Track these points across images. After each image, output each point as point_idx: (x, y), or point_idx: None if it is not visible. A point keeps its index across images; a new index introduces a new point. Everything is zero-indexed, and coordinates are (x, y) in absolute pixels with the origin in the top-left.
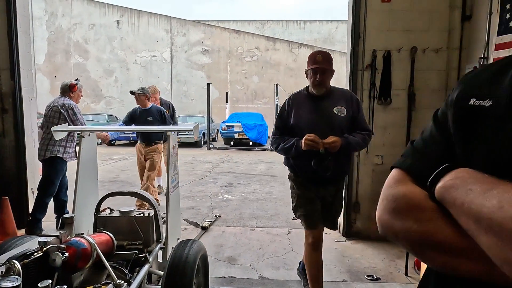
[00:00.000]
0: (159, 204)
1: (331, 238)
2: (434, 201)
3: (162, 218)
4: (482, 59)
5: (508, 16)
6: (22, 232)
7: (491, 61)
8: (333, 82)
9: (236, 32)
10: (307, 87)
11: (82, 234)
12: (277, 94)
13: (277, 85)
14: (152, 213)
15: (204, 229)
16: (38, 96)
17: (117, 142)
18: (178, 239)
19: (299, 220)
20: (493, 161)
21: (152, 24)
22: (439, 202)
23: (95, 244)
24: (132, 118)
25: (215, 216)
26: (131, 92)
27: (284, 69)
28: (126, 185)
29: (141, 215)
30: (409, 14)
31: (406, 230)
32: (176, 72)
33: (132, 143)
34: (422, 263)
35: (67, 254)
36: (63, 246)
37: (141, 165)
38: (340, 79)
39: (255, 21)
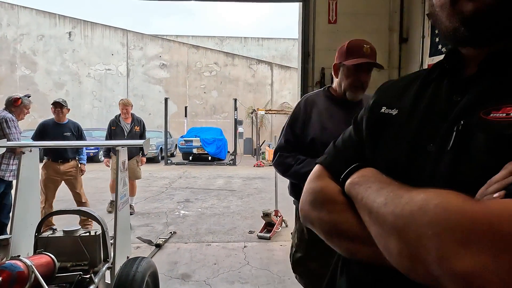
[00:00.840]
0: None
1: (286, 250)
2: (345, 195)
3: (111, 237)
4: None
5: (437, 39)
6: None
7: None
8: (290, 99)
9: (194, 47)
10: (328, 88)
11: (19, 256)
12: (235, 109)
13: (235, 100)
14: (99, 231)
15: (158, 246)
16: None
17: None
18: (127, 257)
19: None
20: (391, 163)
21: (107, 37)
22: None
23: (33, 267)
24: (42, 133)
25: (170, 232)
26: (57, 104)
27: (243, 84)
28: (74, 204)
29: (87, 234)
30: (353, 35)
31: (320, 220)
32: (133, 86)
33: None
34: None
35: (0, 278)
36: None
37: (54, 185)
38: (297, 94)
39: (214, 37)
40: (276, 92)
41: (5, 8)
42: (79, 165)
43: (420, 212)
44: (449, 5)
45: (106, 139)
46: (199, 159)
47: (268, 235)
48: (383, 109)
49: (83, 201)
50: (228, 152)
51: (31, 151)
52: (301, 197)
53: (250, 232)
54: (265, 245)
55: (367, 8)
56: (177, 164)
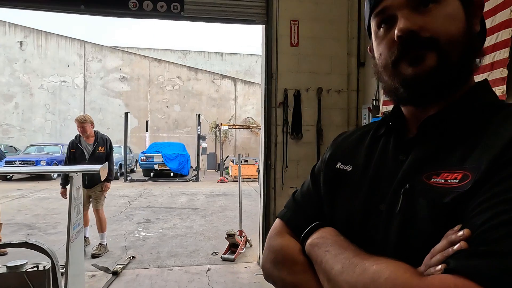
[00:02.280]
0: None
1: (251, 272)
2: (305, 254)
3: (63, 268)
4: (374, 101)
5: None
6: None
7: (381, 103)
8: (253, 114)
9: (156, 60)
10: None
11: None
12: (199, 124)
13: (198, 115)
14: (48, 265)
15: (116, 274)
16: None
17: (15, 176)
18: None
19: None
20: (347, 222)
21: (62, 48)
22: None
23: None
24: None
25: (129, 257)
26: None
27: (206, 99)
28: (23, 228)
29: (35, 268)
30: (315, 58)
31: (281, 280)
32: (90, 99)
33: (34, 177)
34: None
35: None
36: None
37: None
38: (261, 110)
39: (177, 51)
40: (239, 107)
41: None
42: None
43: (373, 285)
44: (390, 67)
45: (65, 164)
46: (161, 175)
47: (232, 256)
48: (338, 165)
49: None
50: (191, 167)
51: None
52: (263, 253)
53: (214, 253)
54: (229, 267)
55: (327, 33)
56: (137, 180)
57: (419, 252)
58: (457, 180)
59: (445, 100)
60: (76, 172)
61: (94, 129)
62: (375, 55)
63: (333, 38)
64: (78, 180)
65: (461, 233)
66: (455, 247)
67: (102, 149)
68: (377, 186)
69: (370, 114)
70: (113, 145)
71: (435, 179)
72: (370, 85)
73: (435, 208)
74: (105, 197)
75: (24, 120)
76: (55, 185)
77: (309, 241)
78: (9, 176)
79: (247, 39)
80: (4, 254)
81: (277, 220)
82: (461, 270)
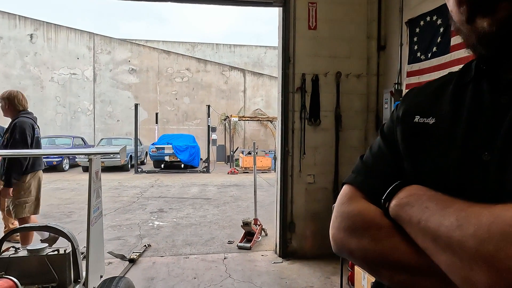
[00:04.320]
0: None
1: (268, 260)
2: (389, 218)
3: (82, 253)
4: (396, 85)
5: (416, 47)
6: None
7: (404, 87)
8: (262, 105)
9: (165, 52)
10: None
11: None
12: (209, 116)
13: (209, 106)
14: (69, 249)
15: (132, 261)
16: None
17: None
18: (101, 276)
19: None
20: (440, 177)
21: (72, 40)
22: (394, 219)
23: None
24: None
25: (145, 246)
26: None
27: (215, 91)
28: (38, 218)
29: (55, 252)
30: (333, 42)
31: (362, 249)
32: (100, 91)
33: (46, 169)
34: (355, 278)
35: None
36: None
37: None
38: (270, 101)
39: (186, 43)
40: (249, 99)
41: None
42: None
43: None
44: (466, 23)
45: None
46: (172, 167)
47: (248, 245)
48: (417, 119)
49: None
50: (201, 159)
51: None
52: (332, 222)
53: (230, 242)
54: (246, 255)
55: (346, 15)
56: (148, 172)
57: None
58: None
59: None
60: (95, 154)
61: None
62: (450, 10)
63: (352, 21)
64: (97, 163)
65: None
66: None
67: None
68: (475, 133)
69: (393, 99)
70: (122, 137)
71: None
72: (391, 68)
73: None
74: (26, 202)
75: (36, 112)
76: (68, 176)
77: (394, 202)
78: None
79: (254, 30)
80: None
81: (345, 186)
82: None
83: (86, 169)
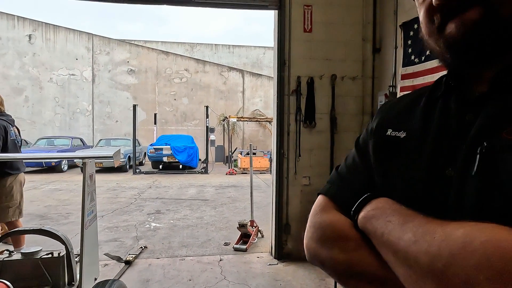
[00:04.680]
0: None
1: (263, 262)
2: (358, 230)
3: (77, 256)
4: (391, 87)
5: (410, 50)
6: None
7: (398, 89)
8: (261, 106)
9: (164, 53)
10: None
11: None
12: (207, 116)
13: (207, 107)
14: (63, 252)
15: (128, 263)
16: None
17: (26, 169)
18: (95, 279)
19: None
20: (406, 191)
21: (70, 41)
22: (362, 231)
23: None
24: None
25: (141, 247)
26: None
27: (214, 92)
28: (36, 218)
29: (49, 255)
30: (328, 45)
31: (332, 259)
32: (99, 92)
33: (45, 170)
34: None
35: None
36: None
37: None
38: (268, 102)
39: (184, 43)
40: (247, 100)
41: None
42: None
43: (464, 252)
44: (436, 33)
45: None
46: (170, 167)
47: (244, 246)
48: (389, 132)
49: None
50: (200, 160)
51: None
52: (306, 232)
53: (226, 244)
54: (242, 257)
55: (341, 18)
56: (147, 173)
57: (507, 217)
58: None
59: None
60: (89, 158)
61: None
62: (420, 21)
63: (347, 23)
64: (91, 167)
65: None
66: None
67: None
68: (440, 149)
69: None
70: (121, 137)
71: None
72: (386, 71)
73: None
74: (9, 207)
75: (34, 113)
76: (66, 177)
77: (362, 214)
78: None
79: (253, 30)
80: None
81: (320, 197)
82: None
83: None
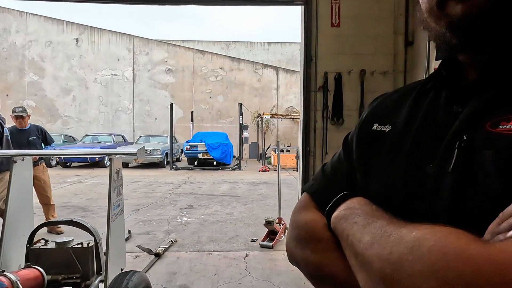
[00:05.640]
0: None
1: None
2: (332, 231)
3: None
4: None
5: None
6: None
7: None
8: (295, 103)
9: (200, 52)
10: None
11: (3, 271)
12: (241, 114)
13: (240, 104)
14: (92, 242)
15: (158, 256)
16: None
17: (73, 164)
18: (121, 269)
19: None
20: (385, 190)
21: (113, 43)
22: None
23: (18, 282)
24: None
25: (171, 241)
26: (18, 116)
27: (248, 89)
28: (78, 210)
29: (79, 245)
30: (357, 39)
31: (304, 260)
32: (139, 91)
33: (90, 165)
34: None
35: None
36: None
37: None
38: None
39: (220, 42)
40: (282, 97)
41: (14, 15)
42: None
43: (411, 257)
44: (436, 9)
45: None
46: (205, 164)
47: (270, 243)
48: (375, 126)
49: (52, 203)
50: (234, 156)
51: (23, 159)
52: (287, 230)
53: (253, 240)
54: (267, 254)
55: (371, 11)
56: (182, 169)
57: (481, 219)
58: None
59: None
60: (115, 154)
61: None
62: None
63: (377, 16)
64: (117, 163)
65: None
66: None
67: None
68: (422, 144)
69: None
70: (159, 134)
71: (505, 126)
72: (419, 65)
73: (506, 159)
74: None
75: (81, 111)
76: (108, 172)
77: (335, 214)
78: (68, 164)
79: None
80: (61, 232)
81: (303, 194)
82: None
83: (126, 165)
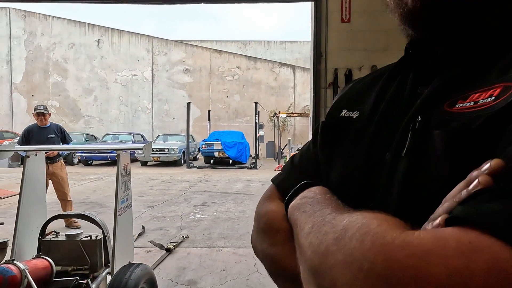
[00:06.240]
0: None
1: None
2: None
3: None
4: None
5: None
6: None
7: None
8: (310, 101)
9: (217, 51)
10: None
11: (13, 260)
12: (256, 113)
13: (256, 103)
14: (100, 236)
15: (169, 251)
16: (14, 115)
17: (94, 162)
18: (129, 262)
19: None
20: (345, 179)
21: (133, 44)
22: None
23: (26, 271)
24: (27, 138)
25: (182, 237)
26: (40, 113)
27: (265, 88)
28: (95, 206)
29: (88, 238)
30: (368, 34)
31: (262, 252)
32: (157, 91)
33: (110, 163)
34: None
35: None
36: None
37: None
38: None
39: (238, 41)
40: (298, 95)
41: (39, 19)
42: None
43: (335, 247)
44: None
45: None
46: (221, 162)
47: None
48: (343, 112)
49: (69, 199)
50: (250, 155)
51: (36, 155)
52: None
53: None
54: None
55: (382, 5)
56: (199, 167)
57: (430, 206)
58: (493, 97)
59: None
60: (123, 150)
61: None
62: None
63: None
64: (125, 158)
65: (487, 166)
66: (471, 185)
67: None
68: (384, 130)
69: None
70: (177, 133)
71: (461, 104)
72: None
73: (455, 139)
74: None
75: (102, 111)
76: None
77: (291, 203)
78: (89, 162)
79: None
80: (78, 227)
81: (270, 185)
82: (474, 219)
83: (144, 163)
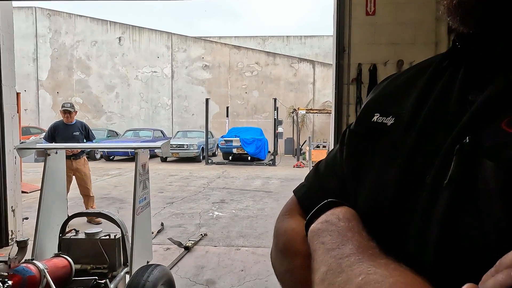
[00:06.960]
0: None
1: None
2: None
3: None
4: None
5: None
6: (1, 251)
7: None
8: (332, 97)
9: (236, 47)
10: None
11: (32, 259)
12: (275, 109)
13: (275, 99)
14: (118, 234)
15: (187, 249)
16: (40, 112)
17: (116, 158)
18: (147, 262)
19: None
20: (374, 200)
21: (153, 41)
22: None
23: (45, 271)
24: (53, 134)
25: (201, 235)
26: (66, 111)
27: (284, 84)
28: (116, 202)
29: (107, 237)
30: (394, 27)
31: (281, 275)
32: (177, 87)
33: (131, 158)
34: None
35: (10, 282)
36: (6, 274)
37: (67, 180)
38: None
39: (257, 37)
40: (318, 91)
41: (63, 18)
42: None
43: None
44: None
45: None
46: (239, 159)
47: None
48: (376, 117)
49: (91, 195)
50: (269, 152)
51: (56, 153)
52: None
53: None
54: None
55: None
56: (218, 163)
57: (478, 260)
58: None
59: None
60: (141, 148)
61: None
62: None
63: (417, 2)
64: (144, 157)
65: None
66: None
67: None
68: (426, 145)
69: None
70: (196, 129)
71: None
72: None
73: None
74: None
75: (123, 107)
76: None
77: (312, 226)
78: (111, 157)
79: (327, 19)
80: (99, 223)
81: (291, 197)
82: None
83: (164, 159)
